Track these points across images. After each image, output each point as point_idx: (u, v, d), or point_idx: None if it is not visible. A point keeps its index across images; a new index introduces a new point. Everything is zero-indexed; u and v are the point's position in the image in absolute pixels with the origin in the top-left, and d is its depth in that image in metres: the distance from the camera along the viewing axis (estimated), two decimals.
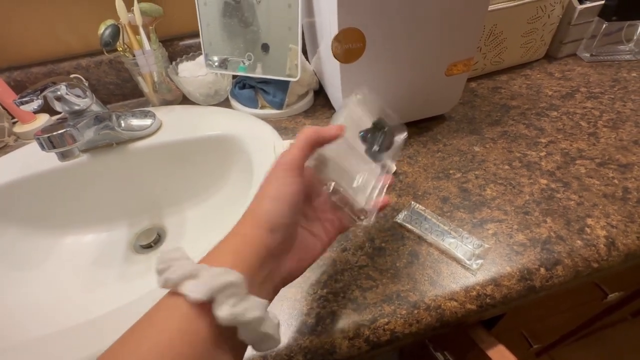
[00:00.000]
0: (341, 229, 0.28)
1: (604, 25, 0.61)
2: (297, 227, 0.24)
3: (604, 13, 0.60)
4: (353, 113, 0.30)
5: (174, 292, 0.18)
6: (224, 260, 0.20)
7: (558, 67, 0.64)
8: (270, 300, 0.22)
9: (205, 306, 0.17)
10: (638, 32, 0.63)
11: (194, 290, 0.17)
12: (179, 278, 0.18)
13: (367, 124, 0.30)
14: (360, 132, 0.30)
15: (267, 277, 0.21)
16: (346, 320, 0.30)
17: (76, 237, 0.52)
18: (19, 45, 0.56)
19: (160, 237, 0.55)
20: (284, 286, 0.24)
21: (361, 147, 0.30)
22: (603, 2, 0.60)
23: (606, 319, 0.75)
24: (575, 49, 0.66)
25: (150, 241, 0.54)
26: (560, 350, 0.88)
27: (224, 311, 0.17)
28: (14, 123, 0.57)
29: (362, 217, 0.26)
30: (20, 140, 0.56)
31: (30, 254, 0.48)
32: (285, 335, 0.29)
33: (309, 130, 0.24)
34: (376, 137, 0.30)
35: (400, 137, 0.32)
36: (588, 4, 0.60)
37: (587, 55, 0.65)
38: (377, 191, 0.28)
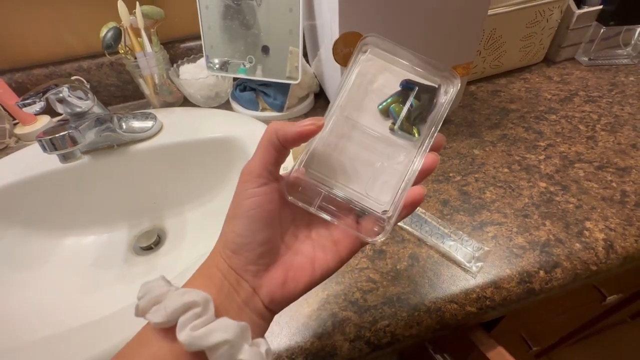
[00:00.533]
0: (345, 249, 0.21)
1: (602, 30, 0.61)
2: (276, 244, 0.21)
3: (602, 18, 0.61)
4: (364, 78, 0.22)
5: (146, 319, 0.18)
6: (195, 283, 0.19)
7: (557, 71, 0.64)
8: (260, 325, 0.20)
9: (173, 330, 0.16)
10: (635, 37, 0.64)
11: (155, 315, 0.17)
12: (147, 304, 0.17)
13: (390, 88, 0.23)
14: (379, 104, 0.23)
15: (247, 301, 0.19)
16: (347, 322, 0.30)
17: (77, 239, 0.52)
18: (20, 46, 0.56)
19: (160, 239, 0.55)
20: (275, 311, 0.21)
21: (383, 125, 0.22)
22: (601, 7, 0.60)
23: (605, 321, 0.76)
24: (573, 53, 0.66)
25: (151, 243, 0.54)
26: (559, 352, 0.88)
27: (183, 335, 0.16)
28: (15, 124, 0.57)
29: (375, 231, 0.21)
30: (21, 141, 0.57)
31: (31, 256, 0.48)
32: (286, 337, 0.29)
33: (270, 127, 0.20)
34: (404, 105, 0.22)
35: (443, 97, 0.23)
36: (586, 9, 0.60)
37: (585, 59, 0.65)
38: (404, 184, 0.21)
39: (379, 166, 0.22)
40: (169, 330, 0.17)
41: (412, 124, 0.23)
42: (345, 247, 0.21)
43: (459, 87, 0.23)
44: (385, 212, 0.21)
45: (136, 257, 0.53)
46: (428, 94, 0.23)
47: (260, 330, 0.20)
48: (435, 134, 0.22)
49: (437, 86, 0.23)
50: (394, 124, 0.22)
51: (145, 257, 0.53)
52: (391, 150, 0.22)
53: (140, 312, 0.18)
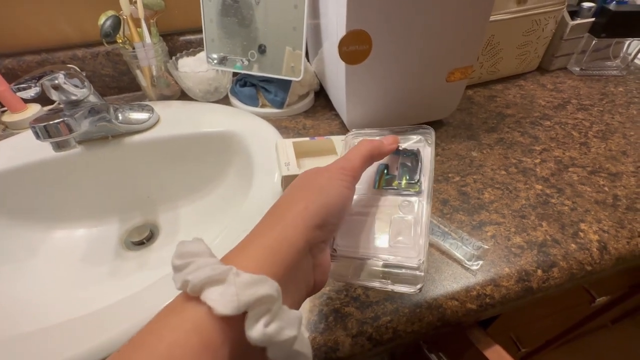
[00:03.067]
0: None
1: (594, 42, 0.63)
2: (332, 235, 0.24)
3: (594, 30, 0.63)
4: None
5: (191, 297, 0.15)
6: (256, 259, 0.18)
7: (550, 79, 0.66)
8: (304, 299, 0.21)
9: (231, 320, 0.15)
10: (624, 50, 0.66)
11: (221, 301, 0.14)
12: (201, 282, 0.15)
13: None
14: (374, 185, 0.28)
15: (300, 281, 0.20)
16: (349, 318, 0.30)
17: (66, 232, 0.50)
18: (12, 31, 0.54)
19: (153, 234, 0.54)
20: (307, 297, 0.22)
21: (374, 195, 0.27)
22: (593, 19, 0.63)
23: (588, 325, 0.78)
24: (566, 62, 0.69)
25: (143, 238, 0.52)
26: (544, 356, 0.90)
27: (256, 331, 0.14)
28: (3, 112, 0.55)
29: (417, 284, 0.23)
30: (9, 129, 0.54)
31: (18, 248, 0.46)
32: None
33: (370, 144, 0.25)
34: (400, 167, 0.28)
35: (427, 148, 0.29)
36: (579, 21, 0.62)
37: (577, 69, 0.67)
38: (422, 229, 0.25)
39: (392, 226, 0.26)
40: (227, 318, 0.15)
41: (409, 182, 0.28)
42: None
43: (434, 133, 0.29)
44: (420, 261, 0.24)
45: (127, 252, 0.51)
46: (411, 156, 0.29)
47: (301, 303, 0.21)
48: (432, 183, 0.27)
49: (416, 150, 0.29)
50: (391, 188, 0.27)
51: (137, 252, 0.51)
52: (399, 207, 0.27)
53: (189, 289, 0.15)
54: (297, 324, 0.16)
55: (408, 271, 0.23)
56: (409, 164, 0.28)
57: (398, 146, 0.29)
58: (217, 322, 0.15)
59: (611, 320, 0.95)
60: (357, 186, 0.25)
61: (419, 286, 0.23)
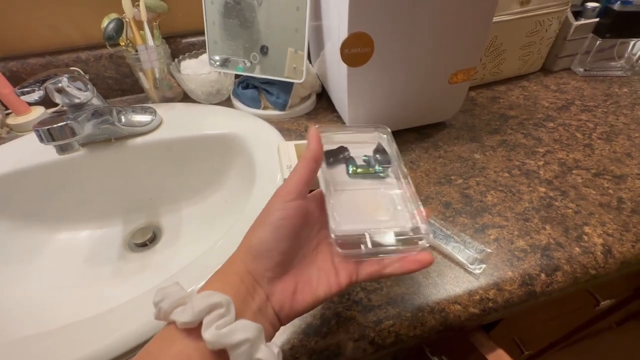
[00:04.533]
0: (343, 278, 0.23)
1: (598, 42, 0.63)
2: (293, 256, 0.23)
3: (598, 30, 0.63)
4: (326, 174, 0.27)
5: (169, 322, 0.19)
6: (213, 286, 0.21)
7: (553, 80, 0.66)
8: (270, 333, 0.21)
9: (196, 330, 0.18)
10: (629, 50, 0.66)
11: (182, 315, 0.18)
12: (170, 307, 0.18)
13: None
14: (348, 172, 0.28)
15: (261, 307, 0.21)
16: (351, 322, 0.30)
17: (70, 234, 0.51)
18: (17, 34, 0.54)
19: (156, 236, 0.54)
20: (283, 321, 0.22)
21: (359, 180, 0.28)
22: (597, 19, 0.62)
23: (593, 327, 0.77)
24: (570, 63, 0.68)
25: (146, 239, 0.52)
26: (547, 358, 0.89)
27: (209, 333, 0.17)
28: (8, 114, 0.55)
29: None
30: (13, 132, 0.55)
31: (22, 250, 0.46)
32: (290, 336, 0.29)
33: (302, 162, 0.23)
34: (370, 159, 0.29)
35: (391, 142, 0.30)
36: (583, 21, 0.62)
37: (581, 69, 0.67)
38: (413, 198, 0.26)
39: (385, 202, 0.27)
40: (192, 330, 0.18)
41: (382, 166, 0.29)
42: (344, 276, 0.23)
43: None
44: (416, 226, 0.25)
45: (131, 253, 0.51)
46: (379, 152, 0.30)
47: (269, 337, 0.21)
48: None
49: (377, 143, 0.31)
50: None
51: (140, 253, 0.51)
52: (383, 187, 0.28)
53: (162, 316, 0.19)
54: (252, 330, 0.18)
55: (416, 235, 0.24)
56: (377, 156, 0.30)
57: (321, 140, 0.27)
58: (184, 336, 0.18)
59: (616, 322, 0.94)
60: (333, 177, 0.26)
61: (425, 240, 0.24)
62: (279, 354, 0.20)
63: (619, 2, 0.61)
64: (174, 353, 0.18)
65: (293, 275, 0.23)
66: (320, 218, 0.25)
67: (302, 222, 0.23)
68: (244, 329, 0.18)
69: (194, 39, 0.61)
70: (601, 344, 1.04)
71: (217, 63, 0.54)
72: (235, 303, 0.19)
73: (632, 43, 0.65)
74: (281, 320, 0.22)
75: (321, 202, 0.25)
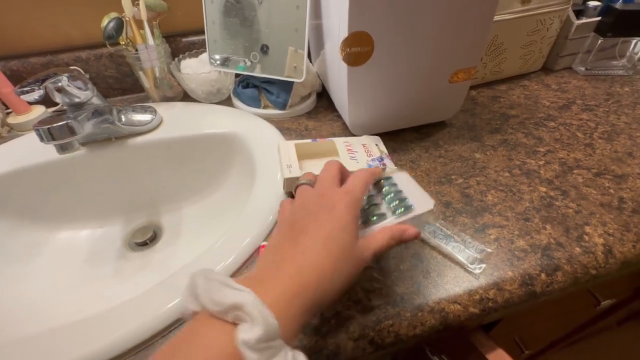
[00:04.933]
0: None
1: (599, 41, 0.63)
2: None
3: (600, 29, 0.63)
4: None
5: (219, 319, 0.18)
6: (275, 302, 0.20)
7: (555, 79, 0.65)
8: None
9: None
10: (631, 49, 0.65)
11: (248, 333, 0.17)
12: (236, 318, 0.18)
13: None
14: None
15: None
16: (351, 322, 0.30)
17: (70, 233, 0.51)
18: (17, 34, 0.54)
19: (156, 235, 0.54)
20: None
21: None
22: (599, 18, 0.62)
23: (593, 326, 0.77)
24: (571, 62, 0.68)
25: (146, 239, 0.53)
26: (548, 357, 0.89)
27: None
28: (8, 114, 0.55)
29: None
30: (13, 131, 0.55)
31: (22, 249, 0.47)
32: None
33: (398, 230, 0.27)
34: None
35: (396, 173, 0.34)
36: (585, 20, 0.62)
37: (582, 69, 0.67)
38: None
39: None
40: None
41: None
42: None
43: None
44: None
45: (131, 252, 0.52)
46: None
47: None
48: None
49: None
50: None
51: (140, 252, 0.52)
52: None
53: (223, 314, 0.18)
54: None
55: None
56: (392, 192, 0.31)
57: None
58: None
59: (617, 322, 0.94)
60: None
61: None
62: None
63: (620, 1, 0.61)
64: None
65: None
66: None
67: None
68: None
69: (194, 38, 0.61)
70: (602, 343, 1.04)
71: (217, 62, 0.54)
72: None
73: (633, 42, 0.65)
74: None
75: None
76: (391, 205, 0.30)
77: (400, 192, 0.32)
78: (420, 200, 0.30)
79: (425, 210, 0.29)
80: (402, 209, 0.29)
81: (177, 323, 0.31)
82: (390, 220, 0.29)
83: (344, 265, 0.23)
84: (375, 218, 0.30)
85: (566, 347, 0.91)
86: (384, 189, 0.32)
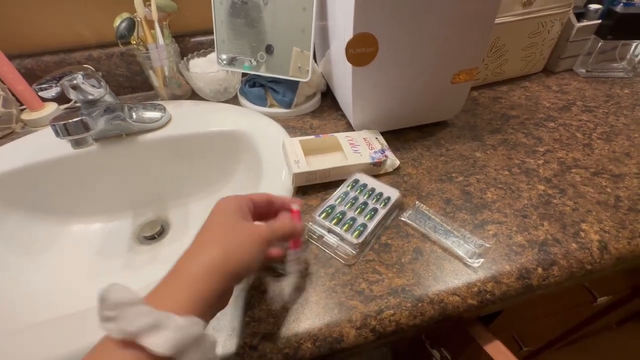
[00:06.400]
0: None
1: (600, 44, 0.64)
2: None
3: (600, 32, 0.64)
4: None
5: (126, 342, 0.17)
6: (184, 301, 0.21)
7: (555, 81, 0.66)
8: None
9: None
10: (631, 52, 0.66)
11: (160, 345, 0.17)
12: (138, 329, 0.17)
13: None
14: None
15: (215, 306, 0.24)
16: (354, 311, 0.31)
17: (81, 226, 0.52)
18: (32, 33, 0.56)
19: (164, 230, 0.55)
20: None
21: None
22: (600, 21, 0.63)
23: (592, 325, 0.78)
24: (572, 64, 0.69)
25: (154, 233, 0.54)
26: (547, 356, 0.90)
27: None
28: (22, 110, 0.57)
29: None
30: (27, 127, 0.57)
31: (35, 241, 0.48)
32: (296, 324, 0.30)
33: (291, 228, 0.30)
34: None
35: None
36: (585, 22, 0.63)
37: (583, 70, 0.68)
38: None
39: None
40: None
41: None
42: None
43: None
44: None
45: (140, 246, 0.53)
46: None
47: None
48: None
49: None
50: None
51: (149, 246, 0.53)
52: None
53: (126, 335, 0.18)
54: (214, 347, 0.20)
55: None
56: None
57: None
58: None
59: (616, 322, 0.94)
60: None
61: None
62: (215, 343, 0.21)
63: (621, 4, 0.62)
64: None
65: None
66: None
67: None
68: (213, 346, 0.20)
69: (202, 38, 0.63)
70: (601, 344, 1.05)
71: (225, 62, 0.55)
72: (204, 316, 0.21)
73: (634, 45, 0.65)
74: None
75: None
76: (377, 201, 0.39)
77: (374, 189, 0.41)
78: (389, 191, 0.40)
79: (397, 197, 0.40)
80: (385, 201, 0.39)
81: None
82: (381, 213, 0.38)
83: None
84: (368, 217, 0.37)
85: (565, 346, 0.92)
86: (362, 191, 0.40)
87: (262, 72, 0.54)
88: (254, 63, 0.54)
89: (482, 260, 0.35)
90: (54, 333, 0.31)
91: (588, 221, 0.39)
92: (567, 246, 0.36)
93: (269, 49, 0.52)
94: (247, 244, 0.25)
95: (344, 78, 0.47)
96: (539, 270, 0.34)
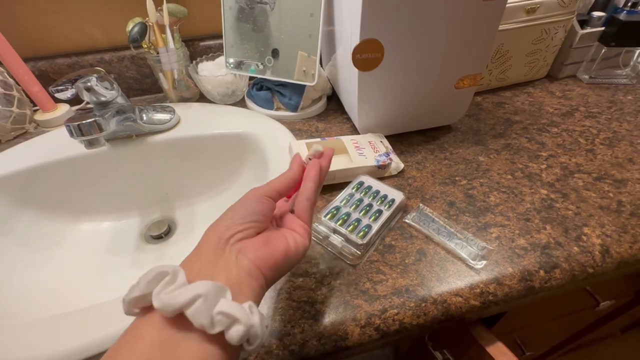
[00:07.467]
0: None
1: (603, 50, 0.64)
2: (260, 228, 0.25)
3: (604, 39, 0.64)
4: None
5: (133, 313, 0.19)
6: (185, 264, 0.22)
7: (559, 87, 0.67)
8: (251, 285, 0.21)
9: (157, 317, 0.18)
10: (634, 58, 0.67)
11: (132, 292, 0.18)
12: (127, 295, 0.18)
13: None
14: None
15: (235, 261, 0.22)
16: (358, 310, 0.32)
17: (90, 224, 0.54)
18: (46, 36, 0.58)
19: (170, 229, 0.56)
20: (265, 271, 0.22)
21: None
22: (603, 28, 0.64)
23: (596, 332, 0.77)
24: (575, 70, 0.69)
25: (161, 232, 0.55)
26: None
27: (157, 300, 0.17)
28: (35, 111, 0.59)
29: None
30: (40, 127, 0.58)
31: (48, 238, 0.49)
32: (301, 322, 0.31)
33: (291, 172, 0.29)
34: None
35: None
36: (589, 29, 0.64)
37: (586, 77, 0.68)
38: None
39: None
40: (155, 318, 0.18)
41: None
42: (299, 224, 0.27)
43: None
44: None
45: (147, 245, 0.54)
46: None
47: (251, 291, 0.21)
48: None
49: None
50: None
51: (156, 245, 0.54)
52: None
53: (126, 307, 0.19)
54: (205, 287, 0.18)
55: None
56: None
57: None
58: (149, 326, 0.18)
59: (620, 329, 0.94)
60: None
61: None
62: (252, 308, 0.19)
63: (624, 12, 0.63)
64: (141, 347, 0.17)
65: (263, 234, 0.25)
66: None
67: (268, 212, 0.26)
68: (195, 288, 0.18)
69: (210, 42, 0.64)
70: (605, 351, 1.04)
71: (232, 65, 0.56)
72: (201, 269, 0.20)
73: (637, 52, 0.66)
74: (262, 269, 0.22)
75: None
76: (381, 203, 0.40)
77: (378, 191, 0.41)
78: (393, 193, 0.41)
79: (401, 199, 0.40)
80: (390, 203, 0.40)
81: None
82: (385, 214, 0.38)
83: None
84: (373, 219, 0.38)
85: (569, 353, 0.91)
86: (367, 193, 0.41)
87: (268, 76, 0.55)
88: (261, 67, 0.55)
89: (484, 262, 0.35)
90: (62, 327, 0.32)
91: (590, 225, 0.39)
92: (569, 249, 0.37)
93: (275, 53, 0.53)
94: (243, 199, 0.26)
95: (349, 82, 0.48)
96: (541, 272, 0.35)
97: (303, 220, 0.27)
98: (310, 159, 0.30)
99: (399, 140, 0.52)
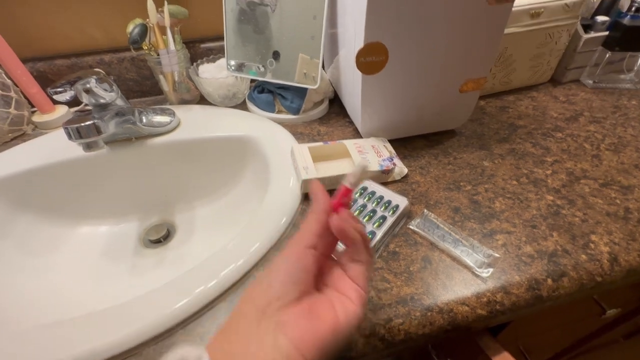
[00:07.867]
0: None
1: (607, 55, 0.64)
2: (304, 292, 0.22)
3: (608, 43, 0.64)
4: None
5: None
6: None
7: (562, 91, 0.67)
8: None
9: None
10: (638, 63, 0.67)
11: None
12: None
13: None
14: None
15: (265, 337, 0.20)
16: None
17: (89, 228, 0.53)
18: (45, 36, 0.57)
19: (169, 233, 0.55)
20: (305, 352, 0.20)
21: None
22: (607, 33, 0.63)
23: (599, 338, 0.77)
24: (579, 75, 0.69)
25: (160, 236, 0.54)
26: None
27: None
28: (33, 112, 0.58)
29: None
30: (38, 129, 0.57)
31: (45, 242, 0.48)
32: None
33: (318, 205, 0.24)
34: None
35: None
36: (593, 34, 0.63)
37: (590, 81, 0.68)
38: None
39: None
40: None
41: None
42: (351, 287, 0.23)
43: None
44: None
45: (145, 249, 0.53)
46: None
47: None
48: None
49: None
50: None
51: (154, 250, 0.53)
52: None
53: None
54: None
55: None
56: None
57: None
58: None
59: (623, 336, 0.93)
60: None
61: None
62: None
63: (628, 16, 0.62)
64: None
65: (306, 300, 0.21)
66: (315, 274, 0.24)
67: (311, 267, 0.22)
68: None
69: (211, 44, 0.63)
70: (608, 357, 1.03)
71: (233, 67, 0.56)
72: (228, 348, 0.19)
73: None
74: (303, 353, 0.19)
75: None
76: (385, 209, 0.39)
77: (382, 196, 0.40)
78: (397, 199, 0.40)
79: (405, 204, 0.39)
80: (394, 209, 0.39)
81: (183, 323, 0.31)
82: (390, 220, 0.38)
83: None
84: (376, 225, 0.37)
85: (572, 359, 0.90)
86: (371, 198, 0.40)
87: (269, 78, 0.54)
88: (261, 69, 0.54)
89: (491, 270, 0.35)
90: (60, 335, 0.31)
91: (598, 232, 0.39)
92: (577, 257, 0.36)
93: (276, 55, 0.53)
94: (280, 257, 0.23)
95: (353, 86, 0.47)
96: (549, 281, 0.34)
97: (358, 283, 0.23)
98: (351, 183, 0.25)
99: (402, 145, 0.52)
